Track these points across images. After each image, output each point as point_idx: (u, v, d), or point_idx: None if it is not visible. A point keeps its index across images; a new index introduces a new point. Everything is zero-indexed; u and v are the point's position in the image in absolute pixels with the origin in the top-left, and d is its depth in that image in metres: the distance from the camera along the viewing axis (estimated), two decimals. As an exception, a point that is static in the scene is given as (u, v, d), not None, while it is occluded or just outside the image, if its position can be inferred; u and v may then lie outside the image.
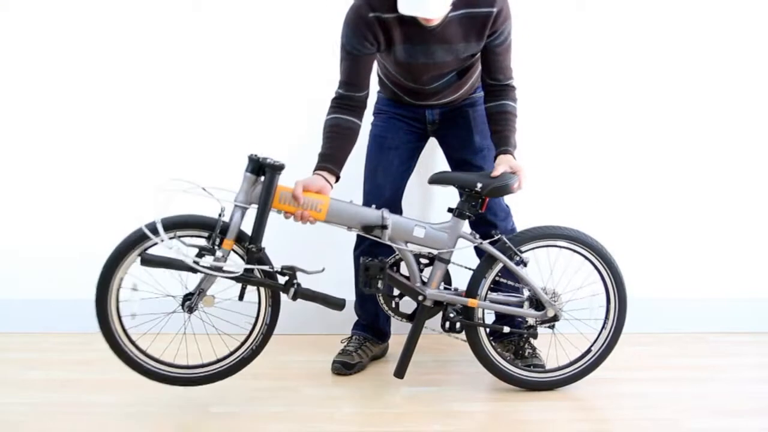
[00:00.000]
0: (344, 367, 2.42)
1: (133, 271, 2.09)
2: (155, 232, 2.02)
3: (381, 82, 2.47)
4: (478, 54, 2.28)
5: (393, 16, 2.10)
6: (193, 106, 2.87)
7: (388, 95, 2.47)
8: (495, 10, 2.13)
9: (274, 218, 2.11)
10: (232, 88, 2.86)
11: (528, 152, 2.85)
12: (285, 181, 2.11)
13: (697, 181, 2.95)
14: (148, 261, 2.02)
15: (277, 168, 2.04)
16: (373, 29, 2.13)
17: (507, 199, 2.46)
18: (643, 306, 2.83)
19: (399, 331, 2.66)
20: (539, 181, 2.87)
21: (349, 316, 2.62)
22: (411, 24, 2.10)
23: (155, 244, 2.04)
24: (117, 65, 2.85)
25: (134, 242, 2.07)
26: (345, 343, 2.55)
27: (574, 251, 2.26)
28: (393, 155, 2.43)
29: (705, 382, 2.38)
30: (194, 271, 2.04)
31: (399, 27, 2.13)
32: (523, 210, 2.58)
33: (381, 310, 2.50)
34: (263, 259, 2.12)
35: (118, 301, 2.09)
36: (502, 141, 2.23)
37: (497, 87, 2.28)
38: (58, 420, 2.04)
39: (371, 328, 2.56)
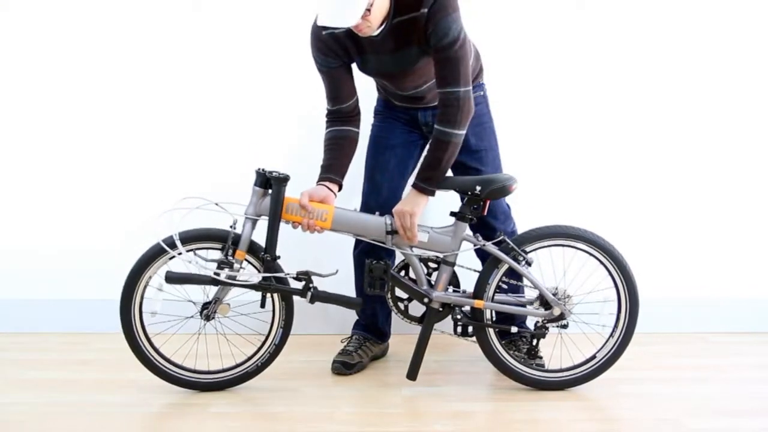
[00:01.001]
0: (344, 366, 2.42)
1: (160, 272, 2.20)
2: (173, 246, 2.13)
3: (378, 90, 2.49)
4: None
5: (342, 31, 2.14)
6: (195, 109, 2.88)
7: (383, 97, 2.48)
8: (425, 10, 2.05)
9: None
10: (235, 98, 2.87)
11: (529, 151, 2.87)
12: (291, 191, 2.18)
13: (698, 181, 2.95)
14: (173, 278, 2.12)
15: (283, 180, 2.14)
16: (329, 45, 2.20)
17: (508, 200, 2.46)
18: (643, 306, 2.83)
19: (399, 331, 2.66)
20: (540, 181, 2.88)
21: (349, 316, 2.63)
22: (359, 36, 2.13)
23: (173, 257, 2.15)
24: (118, 68, 2.86)
25: (155, 255, 2.17)
26: (345, 343, 2.55)
27: (581, 250, 2.26)
28: (389, 155, 2.43)
29: (705, 382, 2.38)
30: (215, 283, 2.13)
31: (350, 40, 2.18)
32: (524, 210, 2.58)
33: (380, 310, 2.52)
34: (277, 268, 2.19)
35: (141, 309, 2.20)
36: (419, 172, 2.19)
37: (438, 101, 2.15)
38: (58, 420, 2.04)
39: (371, 327, 2.56)
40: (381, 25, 2.10)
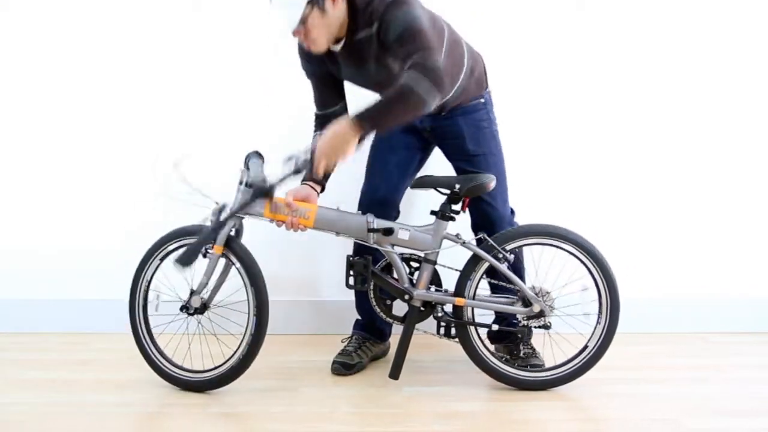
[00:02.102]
0: (343, 367, 2.42)
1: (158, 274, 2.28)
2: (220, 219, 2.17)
3: None
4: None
5: None
6: (193, 109, 2.88)
7: None
8: (377, 23, 2.05)
9: (267, 226, 2.22)
10: (233, 99, 2.87)
11: (527, 152, 2.87)
12: (277, 192, 2.18)
13: (698, 181, 2.95)
14: (182, 259, 2.12)
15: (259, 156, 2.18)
16: (307, 52, 2.22)
17: (512, 206, 2.47)
18: (643, 306, 2.84)
19: (399, 331, 2.66)
20: (539, 181, 2.88)
21: (349, 316, 2.63)
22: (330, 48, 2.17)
23: (168, 254, 2.21)
24: (118, 68, 2.86)
25: (154, 250, 2.25)
26: (345, 343, 2.55)
27: (559, 248, 2.25)
28: (389, 156, 2.44)
29: (705, 382, 2.38)
30: (219, 227, 2.16)
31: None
32: (521, 209, 2.57)
33: (376, 309, 2.52)
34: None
35: (145, 308, 2.29)
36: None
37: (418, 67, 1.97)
38: (58, 420, 2.04)
39: (369, 327, 2.56)
40: (340, 40, 2.14)
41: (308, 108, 2.40)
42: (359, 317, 2.60)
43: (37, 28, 2.84)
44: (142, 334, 2.28)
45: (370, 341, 2.54)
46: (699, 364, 2.56)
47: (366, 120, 1.96)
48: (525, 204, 2.61)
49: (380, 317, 2.54)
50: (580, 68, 2.88)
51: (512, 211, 2.47)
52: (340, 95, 2.33)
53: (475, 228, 2.38)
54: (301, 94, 2.77)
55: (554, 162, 2.90)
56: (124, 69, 2.86)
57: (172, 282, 2.29)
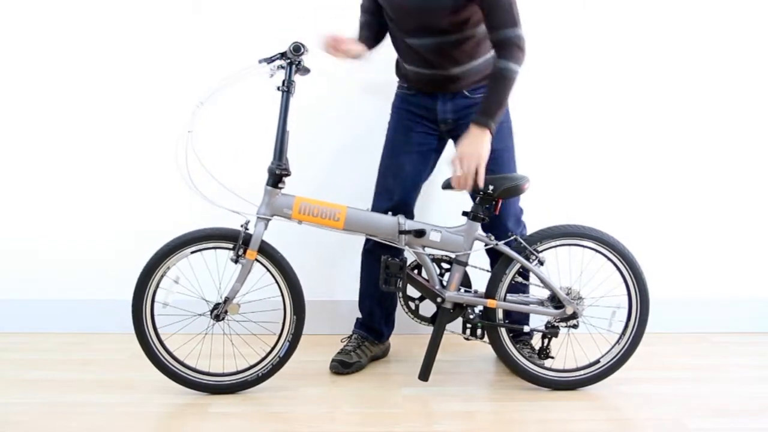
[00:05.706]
0: (341, 365, 2.42)
1: (179, 264, 2.24)
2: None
3: (396, 67, 2.44)
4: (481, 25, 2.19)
5: None
6: (195, 107, 2.87)
7: (401, 81, 2.43)
8: None
9: (283, 222, 2.19)
10: (241, 98, 2.86)
11: (537, 151, 2.86)
12: (290, 190, 2.19)
13: (699, 181, 2.94)
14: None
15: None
16: None
17: (522, 204, 2.45)
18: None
19: (399, 331, 2.66)
20: (542, 180, 2.87)
21: (350, 317, 2.62)
22: None
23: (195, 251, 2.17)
24: (125, 69, 2.85)
25: (178, 246, 2.17)
26: (344, 343, 2.55)
27: (592, 250, 2.26)
28: (404, 159, 2.38)
29: (707, 382, 2.37)
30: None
31: None
32: (530, 210, 2.57)
33: (377, 310, 2.52)
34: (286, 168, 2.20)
35: (153, 300, 2.19)
36: (477, 109, 2.16)
37: (495, 45, 2.15)
38: (58, 420, 2.04)
39: (368, 326, 2.56)
40: None
41: (315, 108, 2.40)
42: (359, 316, 2.59)
43: (36, 28, 2.83)
44: (150, 335, 2.19)
45: (369, 341, 2.54)
46: (700, 364, 2.56)
47: (492, 117, 2.12)
48: (531, 204, 2.61)
49: (380, 316, 2.55)
50: (588, 67, 2.86)
51: (521, 209, 2.45)
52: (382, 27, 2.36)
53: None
54: (306, 93, 2.80)
55: (558, 161, 2.89)
56: (132, 71, 2.84)
57: (197, 282, 2.29)
